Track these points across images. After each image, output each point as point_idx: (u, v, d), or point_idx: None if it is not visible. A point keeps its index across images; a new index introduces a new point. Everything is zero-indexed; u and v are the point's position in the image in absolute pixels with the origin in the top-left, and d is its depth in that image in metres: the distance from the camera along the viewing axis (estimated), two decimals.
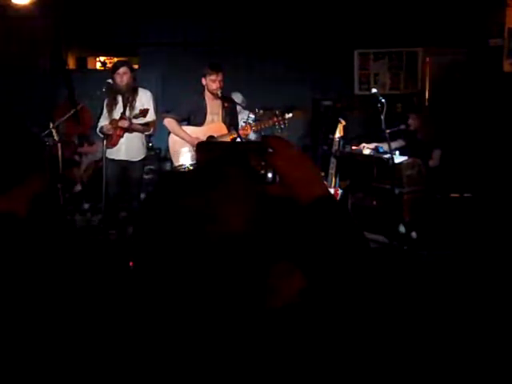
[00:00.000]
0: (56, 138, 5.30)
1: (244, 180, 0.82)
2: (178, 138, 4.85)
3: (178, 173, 1.89)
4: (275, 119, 4.85)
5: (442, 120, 5.80)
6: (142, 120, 4.95)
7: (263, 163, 0.90)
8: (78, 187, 6.19)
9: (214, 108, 4.88)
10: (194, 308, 0.77)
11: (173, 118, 4.87)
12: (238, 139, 4.67)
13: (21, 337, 1.22)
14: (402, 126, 5.51)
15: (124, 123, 4.91)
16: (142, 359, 0.77)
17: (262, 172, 0.90)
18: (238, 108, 5.27)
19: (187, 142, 4.76)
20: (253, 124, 4.87)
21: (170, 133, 4.95)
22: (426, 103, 6.93)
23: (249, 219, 0.78)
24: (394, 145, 5.25)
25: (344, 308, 0.84)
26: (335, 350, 0.80)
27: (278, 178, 0.91)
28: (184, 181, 0.83)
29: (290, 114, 4.87)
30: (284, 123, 4.81)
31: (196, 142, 2.68)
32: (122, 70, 4.94)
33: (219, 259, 0.76)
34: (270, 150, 0.90)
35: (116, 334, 0.82)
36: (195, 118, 4.87)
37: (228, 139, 4.73)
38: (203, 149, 0.92)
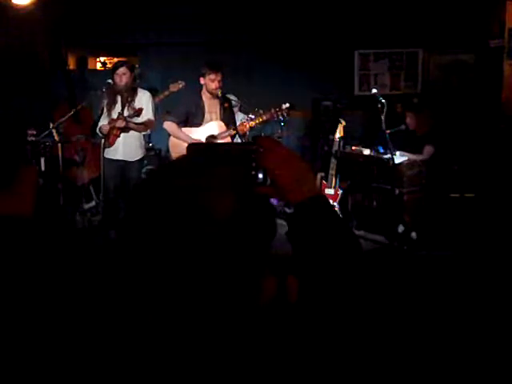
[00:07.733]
0: (56, 138, 5.30)
1: (231, 170, 0.82)
2: (178, 141, 4.85)
3: (168, 161, 1.90)
4: (273, 111, 4.83)
5: (440, 119, 5.79)
6: (137, 119, 4.95)
7: (254, 164, 0.89)
8: (93, 203, 6.13)
9: (212, 107, 4.89)
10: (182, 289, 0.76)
11: (172, 121, 4.87)
12: (237, 136, 4.71)
13: (22, 337, 1.22)
14: (402, 127, 5.50)
15: (120, 123, 4.92)
16: (138, 355, 0.77)
17: (253, 173, 0.90)
18: (235, 108, 5.29)
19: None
20: (250, 119, 4.85)
21: (170, 135, 4.96)
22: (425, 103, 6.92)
23: (235, 208, 0.76)
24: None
25: (336, 308, 0.84)
26: (326, 350, 0.80)
27: (268, 179, 0.90)
28: (172, 167, 0.84)
29: (287, 104, 4.83)
30: (283, 115, 4.78)
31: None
32: (121, 70, 4.95)
33: (205, 244, 0.74)
34: (261, 150, 0.90)
35: (114, 335, 0.82)
36: (194, 117, 4.87)
37: (227, 135, 4.75)
38: (192, 150, 0.92)
